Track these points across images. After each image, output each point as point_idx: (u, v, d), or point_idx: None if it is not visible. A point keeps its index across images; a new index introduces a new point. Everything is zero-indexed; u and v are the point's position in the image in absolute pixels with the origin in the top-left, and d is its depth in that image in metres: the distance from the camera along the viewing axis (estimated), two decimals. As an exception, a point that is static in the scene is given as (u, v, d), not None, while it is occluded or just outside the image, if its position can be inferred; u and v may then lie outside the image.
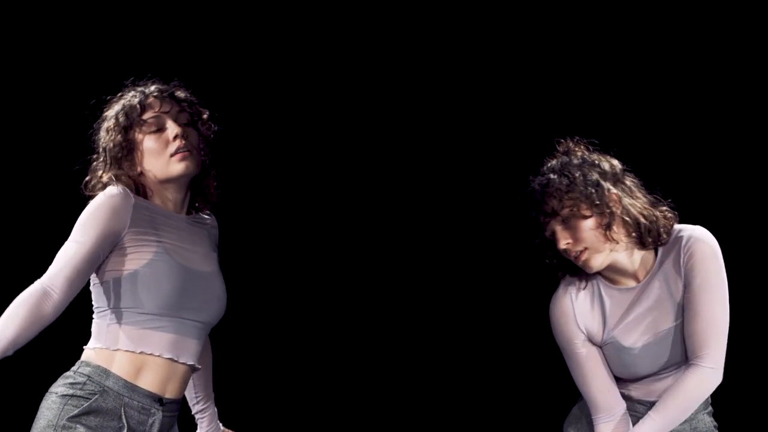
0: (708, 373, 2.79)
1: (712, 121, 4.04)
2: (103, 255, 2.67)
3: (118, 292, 2.68)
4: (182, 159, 2.76)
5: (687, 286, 2.82)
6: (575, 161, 2.88)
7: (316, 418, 4.12)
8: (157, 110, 2.79)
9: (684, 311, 2.83)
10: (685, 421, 2.85)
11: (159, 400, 2.69)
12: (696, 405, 2.82)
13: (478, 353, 4.14)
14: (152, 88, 2.84)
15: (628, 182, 2.89)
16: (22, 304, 2.57)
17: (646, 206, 2.87)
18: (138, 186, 2.78)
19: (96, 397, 2.64)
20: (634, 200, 2.86)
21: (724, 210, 3.96)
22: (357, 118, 4.14)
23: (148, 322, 2.67)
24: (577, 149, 2.92)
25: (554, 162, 2.90)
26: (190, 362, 2.73)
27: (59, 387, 2.67)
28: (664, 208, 2.89)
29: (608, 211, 2.80)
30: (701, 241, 2.83)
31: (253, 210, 4.08)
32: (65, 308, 2.60)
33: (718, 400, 2.96)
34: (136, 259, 2.69)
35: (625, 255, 2.85)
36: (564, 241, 2.81)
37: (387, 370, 4.14)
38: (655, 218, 2.86)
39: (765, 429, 3.95)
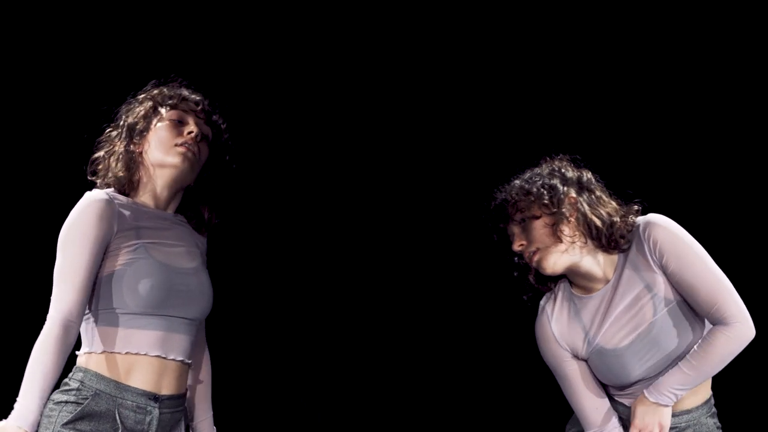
0: (735, 328, 2.77)
1: (700, 124, 4.04)
2: (99, 262, 2.70)
3: (100, 294, 2.71)
4: (182, 153, 2.79)
5: (668, 272, 2.82)
6: (544, 171, 2.93)
7: (314, 418, 4.13)
8: (188, 110, 2.84)
9: (683, 294, 2.82)
10: (687, 426, 2.85)
11: (154, 397, 2.70)
12: (729, 359, 2.78)
13: (478, 354, 4.14)
14: (197, 97, 2.89)
15: (597, 192, 2.91)
16: (50, 349, 2.62)
17: (609, 212, 2.88)
18: (133, 169, 2.81)
19: (88, 401, 2.67)
20: (597, 207, 2.87)
21: (716, 211, 3.98)
22: (354, 120, 4.15)
23: (133, 322, 2.69)
24: (554, 163, 2.96)
25: (525, 173, 2.95)
26: (180, 358, 2.74)
27: (56, 394, 2.69)
28: (630, 216, 2.90)
29: (556, 210, 2.83)
30: (655, 225, 2.83)
31: (250, 210, 4.09)
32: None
33: (722, 401, 2.96)
34: (117, 260, 2.71)
35: (589, 259, 2.86)
36: (518, 243, 2.87)
37: (385, 371, 4.14)
38: (613, 223, 2.86)
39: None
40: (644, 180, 3.85)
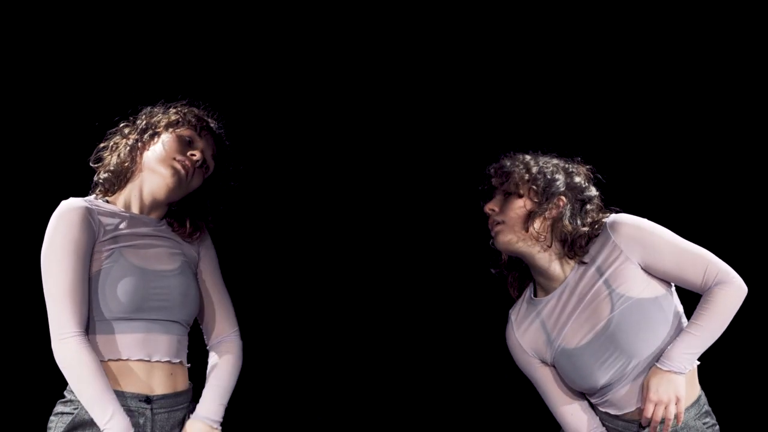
0: (729, 284, 2.80)
1: (695, 125, 4.04)
2: (87, 268, 2.70)
3: None
4: (176, 169, 2.81)
5: (649, 264, 2.82)
6: (558, 164, 2.94)
7: (312, 419, 4.13)
8: (202, 135, 2.87)
9: (673, 280, 2.83)
10: (674, 431, 2.80)
11: (146, 399, 2.72)
12: (730, 315, 2.79)
13: (478, 354, 4.14)
14: (218, 131, 2.93)
15: (589, 207, 2.91)
16: (78, 362, 2.64)
17: (584, 224, 2.88)
18: (129, 166, 2.83)
19: (77, 410, 2.68)
20: (577, 218, 2.87)
21: (712, 212, 3.98)
22: (351, 120, 4.14)
23: (112, 328, 2.71)
24: (573, 163, 2.97)
25: (545, 155, 2.96)
26: (165, 359, 2.75)
27: (57, 406, 2.74)
28: (597, 224, 2.90)
29: (539, 201, 2.84)
30: (623, 224, 2.84)
31: (249, 210, 4.08)
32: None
33: (716, 401, 2.96)
34: (93, 267, 2.72)
35: (546, 256, 2.87)
36: (491, 206, 2.88)
37: (385, 371, 4.14)
38: (582, 234, 2.87)
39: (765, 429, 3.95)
40: (640, 180, 3.88)
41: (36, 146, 3.92)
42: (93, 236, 2.72)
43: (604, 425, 2.89)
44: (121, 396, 2.68)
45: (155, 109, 2.92)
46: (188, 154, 2.82)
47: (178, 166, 2.80)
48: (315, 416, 4.12)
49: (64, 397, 2.74)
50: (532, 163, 2.90)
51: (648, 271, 2.84)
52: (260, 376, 4.07)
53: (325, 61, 4.12)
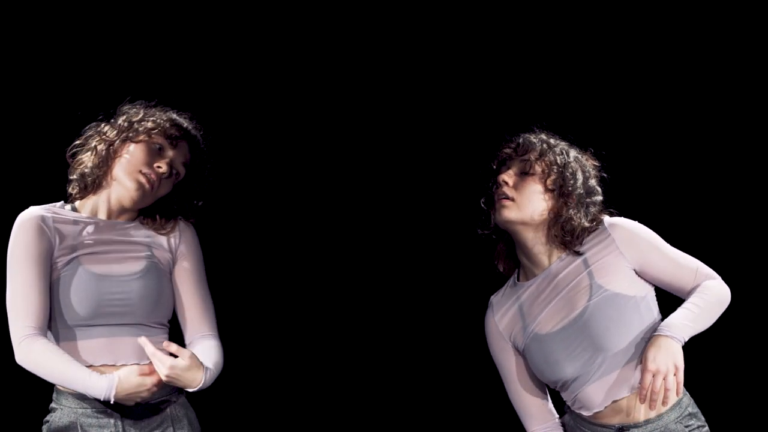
0: (719, 282, 2.84)
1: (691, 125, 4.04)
2: (48, 274, 2.76)
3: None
4: (140, 183, 2.84)
5: (638, 265, 2.83)
6: (572, 152, 2.95)
7: (313, 418, 4.12)
8: (174, 143, 2.88)
9: (665, 283, 2.85)
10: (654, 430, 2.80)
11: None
12: (721, 307, 2.82)
13: (478, 355, 4.13)
14: (194, 132, 2.93)
15: (593, 208, 2.92)
16: (38, 355, 2.69)
17: (586, 220, 2.90)
18: (103, 169, 2.86)
19: (52, 417, 2.78)
20: (582, 216, 2.88)
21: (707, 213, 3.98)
22: (347, 119, 4.13)
23: (75, 335, 2.76)
24: (589, 157, 2.98)
25: (566, 141, 2.97)
26: (133, 362, 2.76)
27: (47, 417, 2.83)
28: (595, 223, 2.92)
29: (554, 192, 2.86)
30: (620, 224, 2.87)
31: (247, 210, 4.08)
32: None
33: (709, 402, 2.96)
34: (53, 275, 2.78)
35: (539, 241, 2.89)
36: (507, 177, 2.86)
37: (384, 371, 4.13)
38: (583, 229, 2.88)
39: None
40: (635, 182, 3.88)
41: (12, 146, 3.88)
42: (49, 244, 2.78)
43: None
44: (85, 399, 2.74)
45: (133, 110, 2.94)
46: (155, 166, 2.84)
47: (143, 180, 2.84)
48: (314, 415, 4.12)
49: (51, 405, 2.84)
50: (557, 151, 2.91)
51: (639, 274, 2.85)
52: (259, 375, 4.07)
53: (319, 57, 4.10)
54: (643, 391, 2.69)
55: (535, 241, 2.89)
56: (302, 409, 4.09)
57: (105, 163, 2.86)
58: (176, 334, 2.95)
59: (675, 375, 2.69)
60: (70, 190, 2.94)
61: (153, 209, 2.94)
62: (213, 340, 2.91)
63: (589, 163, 2.97)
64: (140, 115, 2.90)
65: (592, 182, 2.94)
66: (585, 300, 2.80)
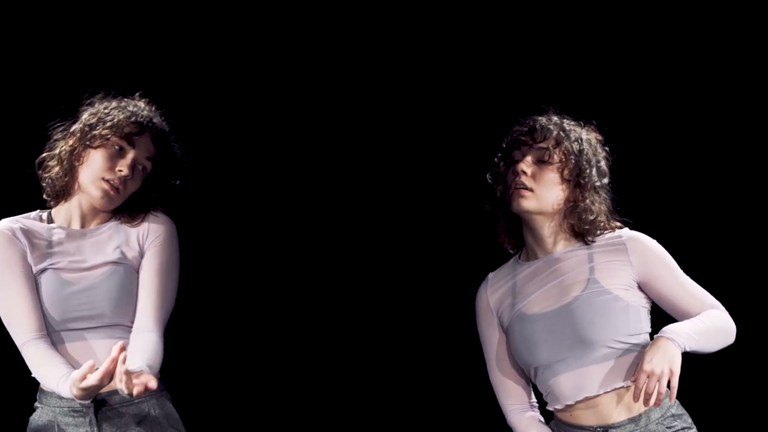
0: (728, 316, 2.85)
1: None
2: (32, 279, 2.84)
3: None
4: (105, 191, 2.87)
5: (645, 279, 2.85)
6: (585, 133, 2.97)
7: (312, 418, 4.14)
8: (134, 141, 2.88)
9: (662, 300, 2.87)
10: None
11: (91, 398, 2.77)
12: (724, 340, 2.84)
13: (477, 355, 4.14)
14: (155, 121, 2.93)
15: (600, 182, 2.95)
16: (30, 363, 2.78)
17: (602, 211, 2.93)
18: (70, 177, 2.89)
19: (34, 415, 2.84)
20: (596, 200, 2.92)
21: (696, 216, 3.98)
22: (344, 118, 4.13)
23: (55, 341, 2.82)
24: (593, 133, 3.00)
25: (575, 122, 2.98)
26: None
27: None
28: (614, 224, 2.95)
29: (571, 182, 2.88)
30: (641, 242, 2.89)
31: (246, 210, 4.09)
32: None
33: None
34: (37, 284, 2.85)
35: (551, 228, 2.91)
36: (525, 167, 2.87)
37: (384, 371, 4.14)
38: (598, 222, 2.91)
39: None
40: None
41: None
42: (22, 253, 2.84)
43: None
44: (62, 398, 2.78)
45: (89, 113, 2.94)
46: (117, 170, 2.85)
47: (107, 187, 2.86)
48: (310, 413, 4.13)
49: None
50: (572, 138, 2.92)
51: (643, 287, 2.88)
52: (258, 376, 4.09)
53: (312, 55, 4.10)
54: (637, 390, 2.69)
55: (547, 227, 2.92)
56: (293, 408, 4.10)
57: (69, 172, 2.90)
58: (169, 335, 2.97)
59: (670, 378, 2.69)
60: (44, 197, 2.98)
61: (127, 203, 2.95)
62: (153, 335, 2.86)
63: (597, 142, 2.99)
64: (96, 117, 2.90)
65: (603, 164, 2.96)
66: (578, 291, 2.83)
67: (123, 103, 2.95)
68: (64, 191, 2.92)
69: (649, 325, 2.88)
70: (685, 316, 2.85)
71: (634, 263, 2.85)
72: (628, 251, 2.86)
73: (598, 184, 2.93)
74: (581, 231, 2.89)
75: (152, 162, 2.92)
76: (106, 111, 2.91)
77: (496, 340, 2.96)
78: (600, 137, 3.01)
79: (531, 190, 2.87)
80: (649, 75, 4.02)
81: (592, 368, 2.79)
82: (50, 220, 2.94)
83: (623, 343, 2.80)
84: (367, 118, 4.12)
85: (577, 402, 2.82)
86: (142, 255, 2.91)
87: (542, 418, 2.95)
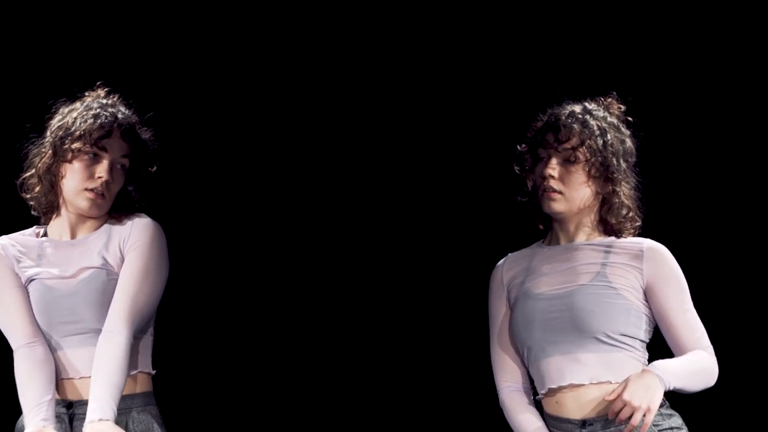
0: (714, 360, 2.85)
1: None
2: (23, 290, 2.87)
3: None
4: (91, 200, 2.87)
5: (651, 287, 2.85)
6: (616, 122, 2.95)
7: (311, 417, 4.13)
8: (104, 143, 2.87)
9: (663, 324, 2.87)
10: None
11: (68, 404, 2.82)
12: (707, 382, 2.83)
13: (477, 355, 4.12)
14: (120, 117, 2.91)
15: (627, 163, 2.94)
16: (26, 370, 2.80)
17: (634, 207, 2.93)
18: (54, 192, 2.90)
19: (19, 420, 2.85)
20: (627, 187, 2.92)
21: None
22: (342, 117, 4.12)
23: (50, 348, 2.84)
24: (615, 110, 2.98)
25: (595, 106, 2.96)
26: (89, 374, 2.78)
27: None
28: (638, 224, 2.96)
29: (598, 178, 2.87)
30: (654, 248, 2.88)
31: (245, 210, 4.08)
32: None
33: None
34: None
35: (579, 219, 2.91)
36: (552, 171, 2.87)
37: (383, 370, 4.14)
38: (632, 219, 2.92)
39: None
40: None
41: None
42: (11, 269, 2.88)
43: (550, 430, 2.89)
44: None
45: (59, 119, 2.93)
46: (97, 177, 2.86)
47: (92, 196, 2.86)
48: (310, 407, 4.12)
49: None
50: (596, 132, 2.89)
51: (647, 298, 2.87)
52: (257, 376, 4.08)
53: (310, 54, 4.09)
54: (611, 415, 2.72)
55: (575, 219, 2.93)
56: (291, 410, 4.10)
57: (51, 189, 2.91)
58: (162, 339, 2.98)
59: (645, 414, 2.69)
60: (34, 213, 2.99)
61: (114, 203, 2.95)
62: (119, 336, 2.80)
63: (621, 122, 2.97)
64: (63, 129, 2.89)
65: (628, 143, 2.96)
66: (585, 280, 2.85)
67: (86, 104, 2.93)
68: (52, 206, 2.94)
69: (647, 335, 2.89)
70: (675, 342, 2.87)
71: (645, 271, 2.86)
72: (644, 258, 2.87)
73: (625, 167, 2.93)
74: (617, 227, 2.92)
75: (129, 158, 2.92)
76: (72, 120, 2.89)
77: (502, 314, 2.97)
78: (622, 107, 3.00)
79: (560, 192, 2.88)
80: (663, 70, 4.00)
81: (582, 356, 2.81)
82: (45, 235, 2.97)
83: (617, 341, 2.81)
84: (366, 105, 4.11)
85: (562, 387, 2.83)
86: (123, 260, 2.90)
87: (533, 403, 2.95)
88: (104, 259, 2.89)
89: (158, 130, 3.04)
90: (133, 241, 2.89)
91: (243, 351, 4.08)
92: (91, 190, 2.87)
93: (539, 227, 3.03)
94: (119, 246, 2.90)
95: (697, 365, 2.81)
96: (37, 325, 2.84)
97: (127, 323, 2.80)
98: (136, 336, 2.84)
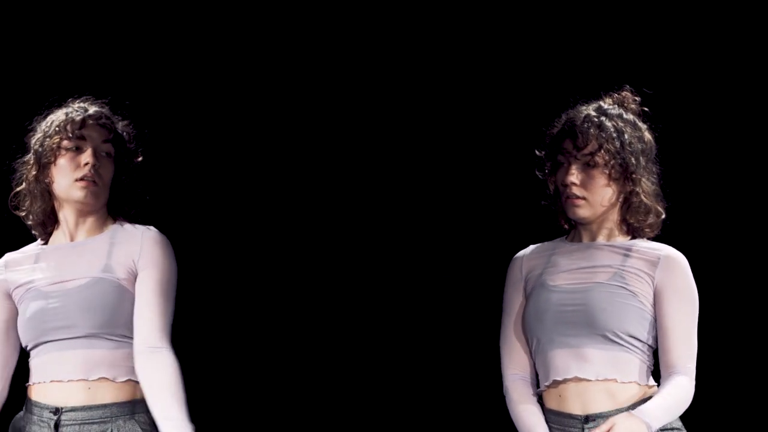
0: (691, 386, 2.84)
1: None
2: (10, 308, 2.92)
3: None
4: (84, 188, 2.88)
5: (657, 291, 2.85)
6: (632, 118, 2.94)
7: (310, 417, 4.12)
8: (81, 135, 2.91)
9: (661, 333, 2.86)
10: None
11: (55, 410, 2.82)
12: (682, 410, 2.83)
13: (477, 355, 4.12)
14: (91, 110, 2.95)
15: (646, 157, 2.92)
16: None
17: (658, 209, 2.92)
18: (48, 203, 2.92)
19: (15, 416, 2.91)
20: (647, 184, 2.90)
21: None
22: (341, 116, 4.11)
23: (30, 355, 2.88)
24: (630, 104, 2.97)
25: (609, 106, 2.95)
26: (79, 377, 2.82)
27: None
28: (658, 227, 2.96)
29: (617, 180, 2.86)
30: (671, 257, 2.88)
31: (244, 210, 4.07)
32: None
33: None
34: (17, 304, 2.92)
35: (602, 220, 2.91)
36: (574, 179, 2.87)
37: (383, 370, 4.13)
38: (655, 224, 2.91)
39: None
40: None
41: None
42: (7, 285, 2.92)
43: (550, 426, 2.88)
44: (37, 406, 2.84)
45: (38, 132, 2.95)
46: (83, 164, 2.88)
47: (83, 184, 2.87)
48: (310, 414, 4.12)
49: None
50: (612, 134, 2.88)
51: (655, 305, 2.87)
52: (256, 373, 4.08)
53: (307, 54, 4.08)
54: None
55: (597, 220, 2.92)
56: (293, 411, 4.09)
57: (44, 196, 2.92)
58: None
59: None
60: (33, 232, 3.01)
61: (117, 202, 2.97)
62: (168, 352, 2.85)
63: (637, 117, 2.95)
64: (40, 134, 2.94)
65: (647, 137, 2.95)
66: (602, 279, 2.85)
67: (59, 110, 2.97)
68: (48, 217, 2.95)
69: (656, 342, 2.88)
70: (664, 355, 2.85)
71: (657, 278, 2.86)
72: (659, 266, 2.86)
73: (644, 163, 2.91)
74: (637, 226, 2.91)
75: (111, 143, 2.93)
76: (48, 125, 2.94)
77: (517, 303, 2.97)
78: (637, 99, 2.98)
79: (583, 198, 2.89)
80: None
81: (590, 351, 2.81)
82: (46, 243, 2.98)
83: (626, 342, 2.82)
84: (368, 104, 4.09)
85: (567, 380, 2.83)
86: (135, 275, 2.90)
87: (536, 396, 2.94)
88: (108, 266, 2.88)
89: (158, 131, 3.04)
90: (149, 257, 2.90)
91: (243, 351, 4.07)
92: (81, 178, 2.88)
93: (564, 227, 3.02)
94: (132, 260, 2.89)
95: (677, 398, 2.81)
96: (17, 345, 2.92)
97: (166, 336, 2.85)
98: (127, 342, 2.86)
